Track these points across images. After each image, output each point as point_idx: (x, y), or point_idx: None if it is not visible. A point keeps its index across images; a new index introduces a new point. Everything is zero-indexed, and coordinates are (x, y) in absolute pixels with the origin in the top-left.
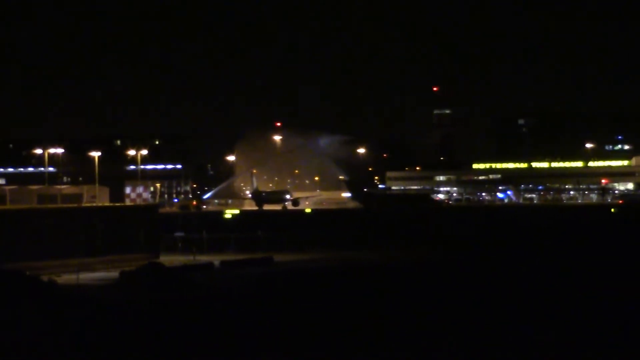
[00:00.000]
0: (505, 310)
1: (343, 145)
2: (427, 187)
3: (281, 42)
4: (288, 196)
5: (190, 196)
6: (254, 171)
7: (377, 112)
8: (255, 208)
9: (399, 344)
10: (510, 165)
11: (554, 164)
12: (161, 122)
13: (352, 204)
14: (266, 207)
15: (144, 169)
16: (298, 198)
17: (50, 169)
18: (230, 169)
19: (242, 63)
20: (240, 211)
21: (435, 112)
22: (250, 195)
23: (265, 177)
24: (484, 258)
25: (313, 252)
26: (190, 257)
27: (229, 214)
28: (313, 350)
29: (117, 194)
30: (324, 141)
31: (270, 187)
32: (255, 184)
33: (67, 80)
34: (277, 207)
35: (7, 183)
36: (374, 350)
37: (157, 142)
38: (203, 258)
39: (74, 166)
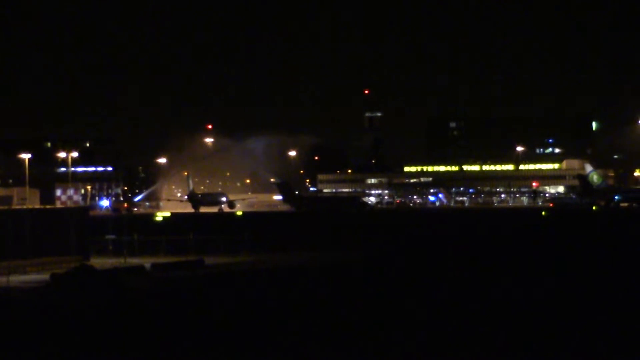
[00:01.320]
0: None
1: (274, 148)
2: (359, 189)
3: (214, 43)
4: (224, 198)
5: (122, 198)
6: (186, 173)
7: (310, 115)
8: (190, 210)
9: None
10: (442, 168)
11: (485, 167)
12: (92, 125)
13: (284, 207)
14: (202, 209)
15: (75, 171)
16: (234, 200)
17: None
18: (161, 171)
19: (172, 65)
20: (172, 214)
21: (367, 114)
22: (186, 198)
23: (196, 179)
24: (410, 259)
25: (243, 254)
26: (122, 260)
27: (160, 216)
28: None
29: (48, 196)
30: (255, 143)
31: (202, 189)
32: (191, 186)
33: None
34: (214, 209)
35: None
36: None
37: (87, 145)
38: (134, 261)
39: (4, 168)
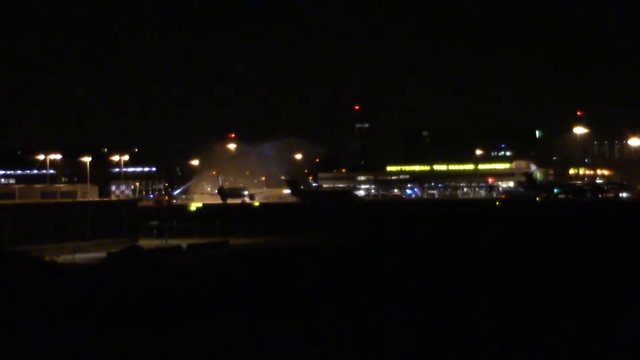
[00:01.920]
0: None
1: (284, 152)
2: (351, 185)
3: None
4: (246, 192)
5: (163, 192)
6: (214, 172)
7: (313, 125)
8: (218, 202)
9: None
10: (416, 168)
11: (451, 167)
12: (137, 133)
13: (292, 199)
14: (228, 201)
15: (126, 171)
16: (253, 194)
17: (51, 171)
18: (194, 170)
19: (197, 83)
20: (204, 204)
21: (357, 125)
22: (215, 192)
23: (223, 177)
24: (395, 237)
25: (259, 237)
26: (163, 241)
27: (194, 206)
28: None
29: (105, 191)
30: (269, 149)
31: (228, 185)
32: (220, 182)
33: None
34: (237, 201)
35: (16, 183)
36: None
37: (136, 150)
38: (173, 242)
39: (70, 169)
